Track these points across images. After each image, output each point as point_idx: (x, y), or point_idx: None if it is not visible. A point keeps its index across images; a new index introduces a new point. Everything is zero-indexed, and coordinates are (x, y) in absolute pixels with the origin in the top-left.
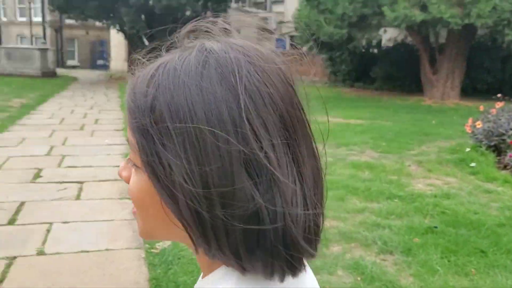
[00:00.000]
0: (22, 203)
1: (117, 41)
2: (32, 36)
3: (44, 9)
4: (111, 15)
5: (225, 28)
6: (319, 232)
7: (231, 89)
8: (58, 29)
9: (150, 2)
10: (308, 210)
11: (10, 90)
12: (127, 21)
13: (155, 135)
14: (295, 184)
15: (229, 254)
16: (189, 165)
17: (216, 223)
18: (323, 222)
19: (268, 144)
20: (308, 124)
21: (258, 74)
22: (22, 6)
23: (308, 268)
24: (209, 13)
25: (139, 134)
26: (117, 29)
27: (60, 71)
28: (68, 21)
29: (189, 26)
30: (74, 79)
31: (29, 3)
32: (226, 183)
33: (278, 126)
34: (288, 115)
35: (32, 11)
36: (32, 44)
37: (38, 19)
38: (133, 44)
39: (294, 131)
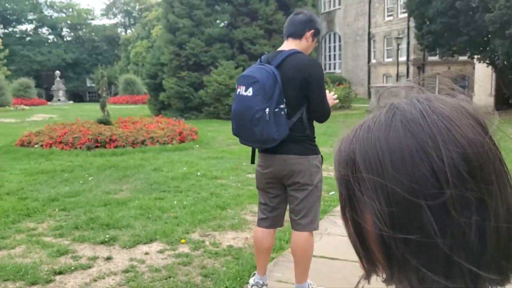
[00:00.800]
0: None
1: (481, 74)
2: (397, 74)
3: (409, 49)
4: (481, 48)
5: (411, 87)
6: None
7: (414, 136)
8: (420, 67)
9: None
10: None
11: None
12: (501, 54)
13: (354, 183)
14: (471, 235)
15: (405, 282)
16: (380, 206)
17: (398, 256)
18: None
19: (449, 188)
20: (507, 174)
21: (441, 120)
22: (389, 48)
23: None
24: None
25: (341, 184)
26: (487, 63)
27: None
28: (431, 58)
29: (383, 92)
30: None
31: (398, 44)
32: (410, 225)
33: (460, 170)
34: (476, 160)
35: (399, 51)
36: (396, 82)
37: (403, 58)
38: (505, 77)
39: (483, 178)
